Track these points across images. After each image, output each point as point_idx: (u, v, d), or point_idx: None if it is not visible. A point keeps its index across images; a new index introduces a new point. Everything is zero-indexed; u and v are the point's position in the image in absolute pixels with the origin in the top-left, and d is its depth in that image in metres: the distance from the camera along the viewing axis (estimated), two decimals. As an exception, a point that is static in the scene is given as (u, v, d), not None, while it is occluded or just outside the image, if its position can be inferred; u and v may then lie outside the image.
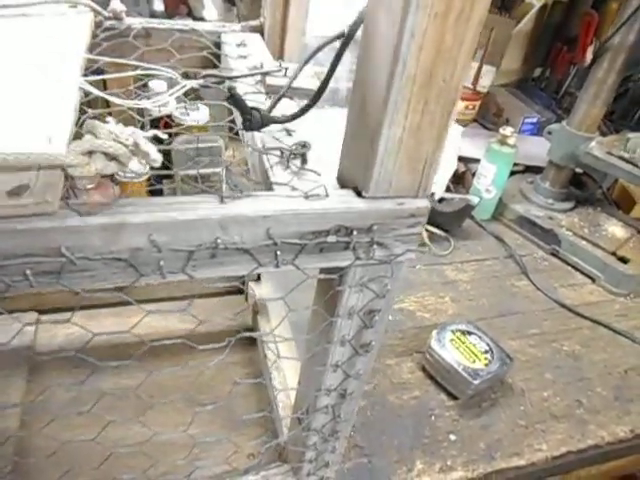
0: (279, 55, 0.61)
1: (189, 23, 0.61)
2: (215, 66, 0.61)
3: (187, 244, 0.31)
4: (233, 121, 0.53)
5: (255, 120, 0.37)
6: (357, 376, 0.47)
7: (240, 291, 0.88)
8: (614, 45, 0.96)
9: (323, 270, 0.37)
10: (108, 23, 0.56)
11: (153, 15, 1.03)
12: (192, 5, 1.12)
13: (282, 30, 0.60)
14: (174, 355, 0.78)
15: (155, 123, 0.91)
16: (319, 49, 0.39)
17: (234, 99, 0.38)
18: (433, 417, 0.75)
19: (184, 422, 0.58)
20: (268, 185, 0.37)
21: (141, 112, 0.58)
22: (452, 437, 0.73)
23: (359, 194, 0.34)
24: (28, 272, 0.29)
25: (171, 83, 0.45)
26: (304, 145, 0.37)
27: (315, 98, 0.38)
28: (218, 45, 0.60)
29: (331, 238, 0.34)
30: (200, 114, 0.93)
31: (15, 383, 0.68)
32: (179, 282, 0.83)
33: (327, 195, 0.33)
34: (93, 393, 0.73)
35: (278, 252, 0.33)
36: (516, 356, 0.82)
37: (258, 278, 0.86)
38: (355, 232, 0.34)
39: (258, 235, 0.32)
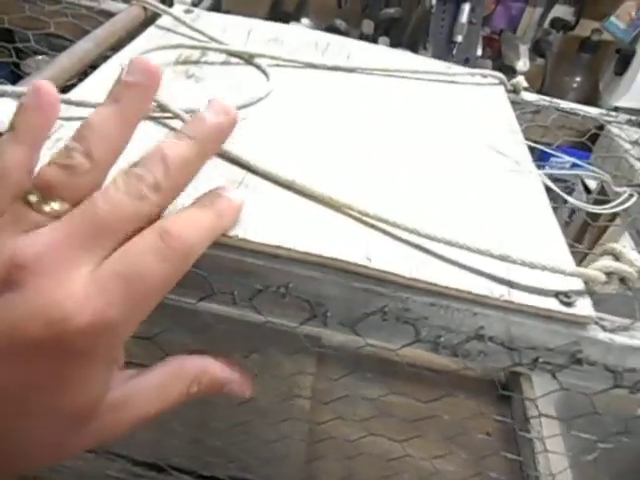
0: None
1: (575, 106, 0.63)
2: (590, 151, 0.63)
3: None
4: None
5: None
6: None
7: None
8: None
9: None
10: (510, 96, 0.61)
11: (468, 60, 1.07)
12: (504, 52, 1.15)
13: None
14: (433, 384, 0.84)
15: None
16: None
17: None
18: None
19: (441, 457, 0.63)
20: None
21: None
22: None
23: None
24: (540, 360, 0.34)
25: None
26: None
27: None
28: (601, 128, 0.62)
29: None
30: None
31: (308, 368, 0.78)
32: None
33: None
34: (365, 400, 0.81)
35: None
36: None
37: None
38: None
39: None
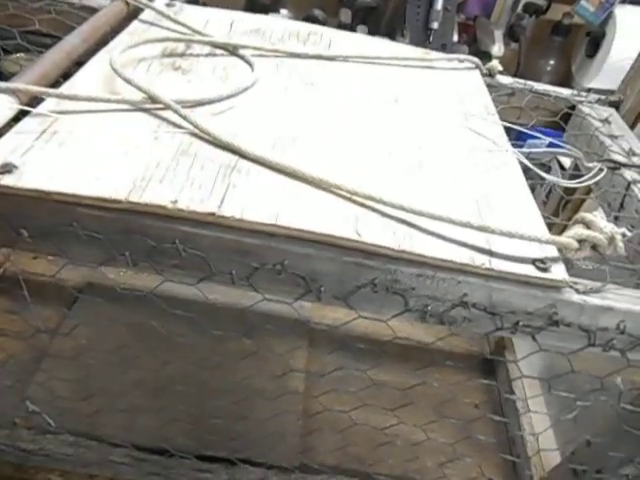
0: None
1: (548, 88, 0.66)
2: (564, 130, 0.66)
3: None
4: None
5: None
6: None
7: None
8: None
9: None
10: (486, 79, 0.63)
11: (444, 46, 1.10)
12: (479, 38, 1.17)
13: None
14: (420, 361, 0.87)
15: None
16: None
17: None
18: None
19: (431, 429, 0.66)
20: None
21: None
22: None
23: None
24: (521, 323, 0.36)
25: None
26: None
27: None
28: (573, 108, 0.64)
29: None
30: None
31: (300, 351, 0.80)
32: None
33: None
34: (356, 377, 0.84)
35: None
36: None
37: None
38: None
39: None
